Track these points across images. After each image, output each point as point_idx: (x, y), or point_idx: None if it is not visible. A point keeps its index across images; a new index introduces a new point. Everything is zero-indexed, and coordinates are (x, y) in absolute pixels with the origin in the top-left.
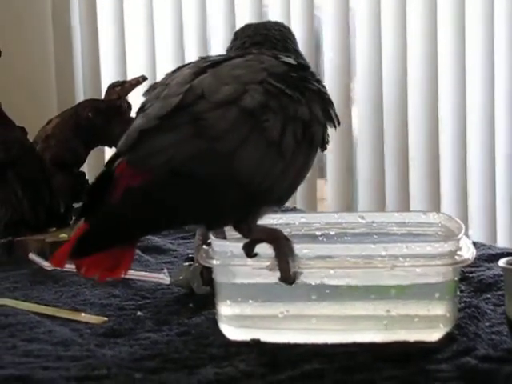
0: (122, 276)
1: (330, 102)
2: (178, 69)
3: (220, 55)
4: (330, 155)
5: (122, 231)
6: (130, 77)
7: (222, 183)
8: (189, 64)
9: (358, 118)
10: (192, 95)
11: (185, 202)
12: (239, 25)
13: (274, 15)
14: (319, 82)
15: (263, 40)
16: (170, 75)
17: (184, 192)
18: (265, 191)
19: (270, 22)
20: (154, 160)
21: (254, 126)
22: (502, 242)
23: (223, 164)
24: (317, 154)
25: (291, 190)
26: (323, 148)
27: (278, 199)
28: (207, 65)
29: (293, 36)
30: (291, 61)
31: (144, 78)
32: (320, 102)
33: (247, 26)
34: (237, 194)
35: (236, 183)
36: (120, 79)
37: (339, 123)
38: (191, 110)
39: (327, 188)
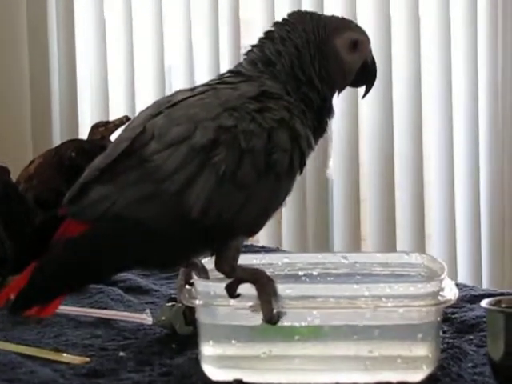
0: (51, 314)
1: (295, 131)
2: (147, 108)
3: (189, 89)
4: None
5: (60, 285)
6: (111, 117)
7: (170, 223)
8: (157, 101)
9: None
10: (143, 138)
11: (129, 247)
12: (222, 63)
13: None
14: (289, 109)
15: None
16: (139, 114)
17: (128, 237)
18: (227, 223)
19: (291, 30)
20: (94, 210)
21: (205, 162)
22: (487, 284)
23: (170, 204)
24: (292, 179)
25: (262, 218)
26: (300, 171)
27: (248, 228)
28: (167, 106)
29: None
30: (250, 92)
31: (128, 119)
32: (286, 129)
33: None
34: (191, 231)
35: (188, 221)
36: (100, 120)
37: (311, 147)
38: (139, 153)
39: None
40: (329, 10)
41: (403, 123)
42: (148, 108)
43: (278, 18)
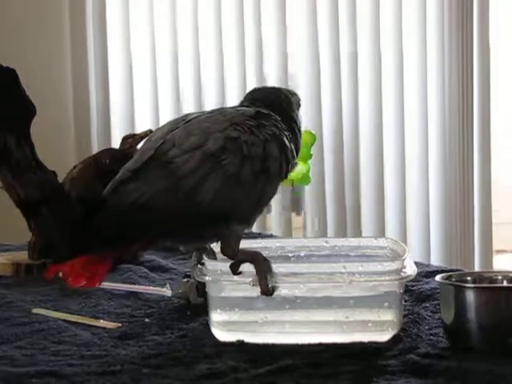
0: (98, 285)
1: (284, 143)
2: (164, 125)
3: (199, 112)
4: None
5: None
6: (137, 131)
7: (185, 210)
8: (172, 120)
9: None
10: (165, 147)
11: (151, 226)
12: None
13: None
14: (278, 127)
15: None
16: (156, 130)
17: (153, 218)
18: (229, 212)
19: (274, 87)
20: (127, 197)
21: (215, 165)
22: (434, 262)
23: (187, 196)
24: (279, 183)
25: (256, 211)
26: (285, 177)
27: (243, 218)
28: (184, 121)
29: (284, 100)
30: (250, 112)
31: (151, 131)
32: (276, 142)
33: (256, 90)
34: (199, 216)
35: (198, 209)
36: (129, 133)
37: (294, 158)
38: (164, 157)
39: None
40: None
41: (366, 134)
42: (165, 125)
43: None
